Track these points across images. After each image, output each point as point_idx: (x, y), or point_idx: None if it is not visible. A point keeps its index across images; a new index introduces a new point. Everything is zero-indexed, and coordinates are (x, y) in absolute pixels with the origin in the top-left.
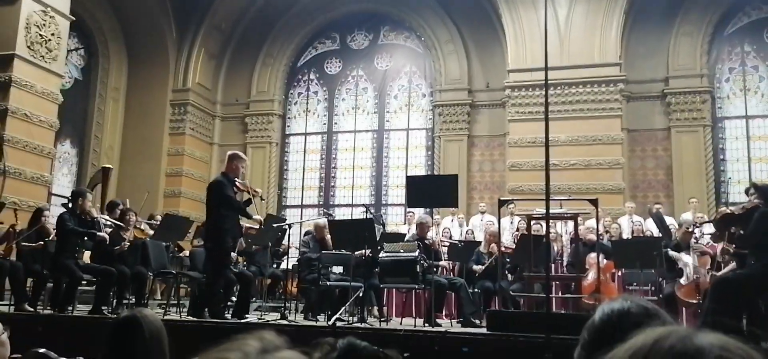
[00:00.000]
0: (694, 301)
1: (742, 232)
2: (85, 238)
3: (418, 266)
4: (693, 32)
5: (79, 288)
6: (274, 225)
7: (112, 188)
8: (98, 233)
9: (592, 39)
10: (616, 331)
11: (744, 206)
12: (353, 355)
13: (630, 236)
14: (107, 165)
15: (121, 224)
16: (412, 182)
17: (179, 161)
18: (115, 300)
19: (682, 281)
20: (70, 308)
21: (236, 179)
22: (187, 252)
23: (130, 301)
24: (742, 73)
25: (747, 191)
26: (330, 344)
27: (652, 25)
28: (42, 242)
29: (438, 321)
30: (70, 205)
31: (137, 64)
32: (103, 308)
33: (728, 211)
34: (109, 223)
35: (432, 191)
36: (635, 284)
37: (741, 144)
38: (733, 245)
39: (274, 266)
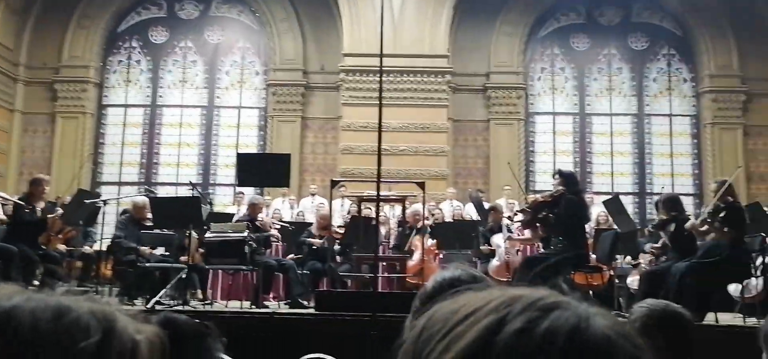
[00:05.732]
0: (505, 279)
1: (551, 216)
2: None
3: (246, 247)
4: (512, 32)
5: None
6: (87, 202)
7: None
8: None
9: (423, 30)
10: (448, 297)
11: (552, 194)
12: (171, 327)
13: (451, 220)
14: None
15: None
16: (243, 160)
17: None
18: None
19: (495, 261)
20: None
21: None
22: None
23: None
24: (551, 73)
25: (554, 176)
26: (143, 319)
27: (477, 21)
28: None
29: (265, 302)
30: None
31: None
32: None
33: (539, 198)
34: None
35: (263, 170)
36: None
37: (548, 138)
38: (544, 229)
39: (87, 246)
